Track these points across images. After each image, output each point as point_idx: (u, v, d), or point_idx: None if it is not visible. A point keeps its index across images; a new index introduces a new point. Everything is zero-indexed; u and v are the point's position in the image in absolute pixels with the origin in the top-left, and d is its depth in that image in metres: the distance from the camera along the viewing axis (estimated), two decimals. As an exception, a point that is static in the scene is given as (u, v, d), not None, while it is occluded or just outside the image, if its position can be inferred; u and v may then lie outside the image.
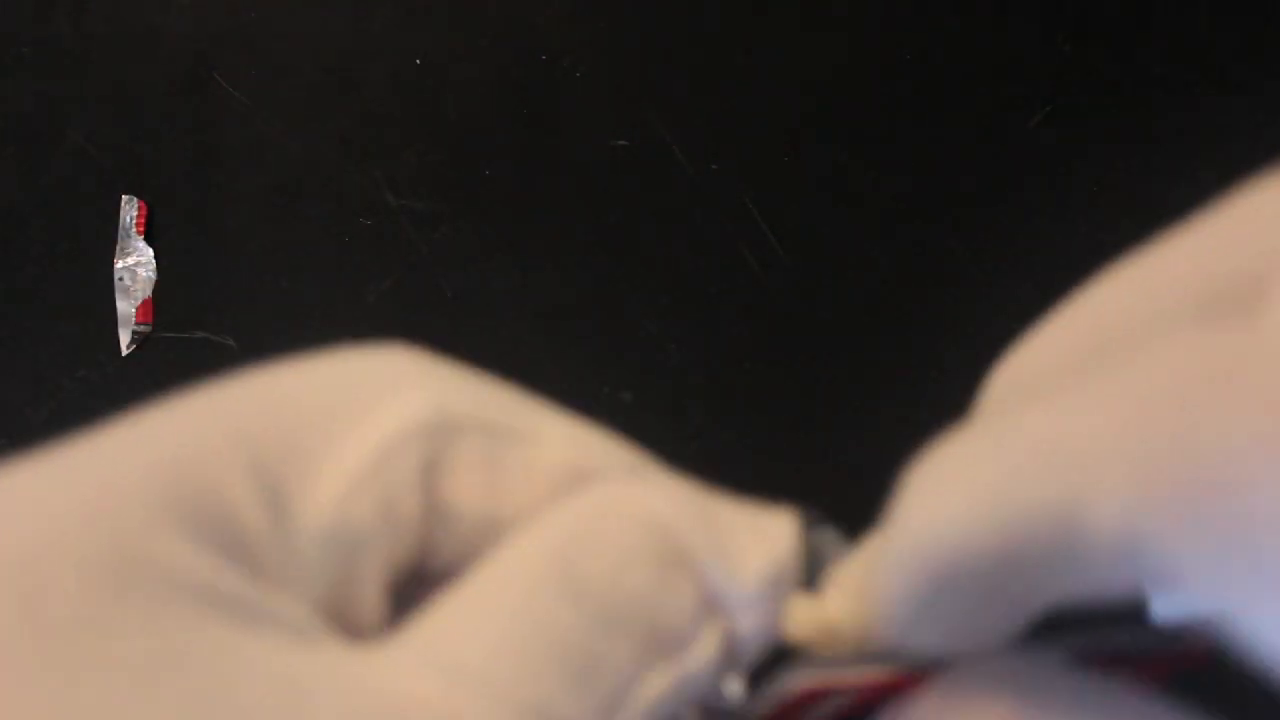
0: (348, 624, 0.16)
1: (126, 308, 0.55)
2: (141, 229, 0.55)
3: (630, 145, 0.56)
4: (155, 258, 0.55)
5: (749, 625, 0.16)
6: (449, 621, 0.15)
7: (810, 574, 0.18)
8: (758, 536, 0.17)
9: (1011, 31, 0.57)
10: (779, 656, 0.18)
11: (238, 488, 0.15)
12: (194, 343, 0.55)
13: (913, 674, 0.18)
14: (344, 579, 0.15)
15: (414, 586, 0.17)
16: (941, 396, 0.54)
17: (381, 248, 0.55)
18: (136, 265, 0.55)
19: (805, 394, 0.54)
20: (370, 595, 0.16)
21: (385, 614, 0.16)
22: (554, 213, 0.55)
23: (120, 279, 0.55)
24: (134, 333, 0.55)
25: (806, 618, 0.17)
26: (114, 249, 0.55)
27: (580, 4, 0.57)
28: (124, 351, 0.55)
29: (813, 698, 0.18)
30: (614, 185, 0.56)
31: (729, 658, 0.16)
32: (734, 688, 0.17)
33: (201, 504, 0.15)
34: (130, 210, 0.56)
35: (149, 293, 0.55)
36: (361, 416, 0.16)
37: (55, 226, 0.56)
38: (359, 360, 0.17)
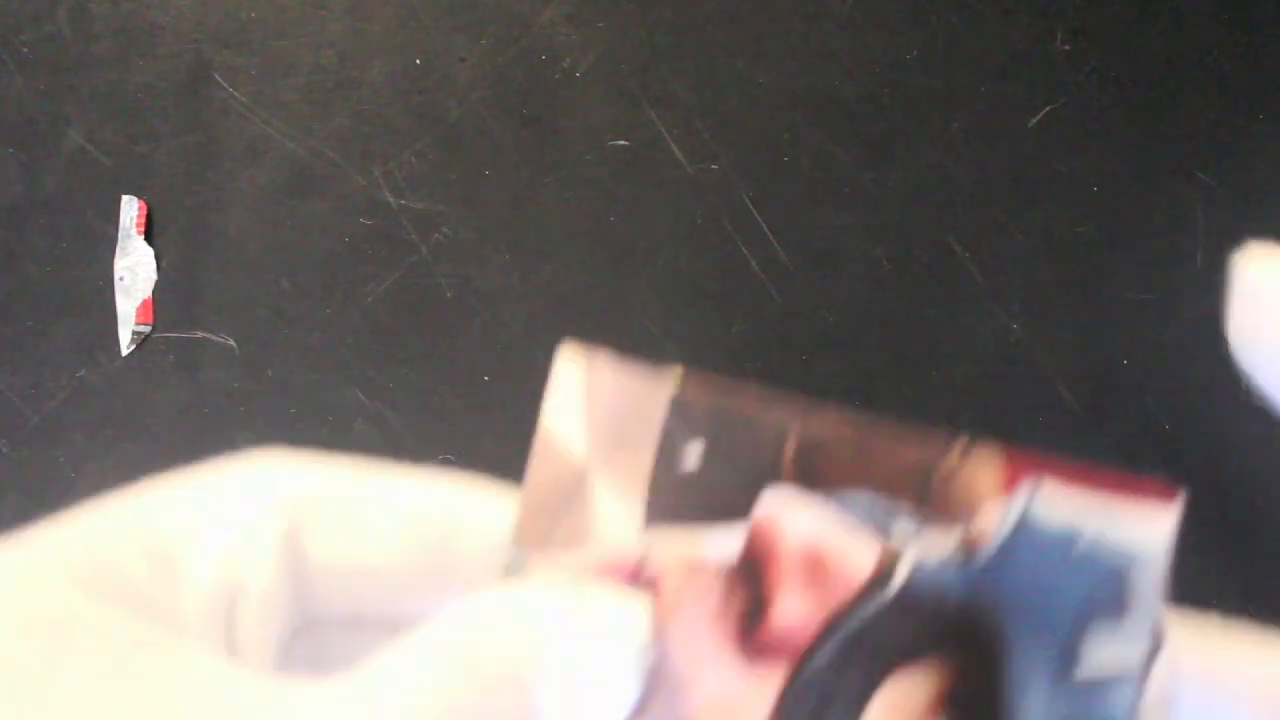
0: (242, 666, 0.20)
1: (127, 307, 0.55)
2: (141, 229, 0.55)
3: (630, 145, 0.56)
4: (155, 257, 0.55)
5: (615, 695, 0.19)
6: (351, 681, 0.18)
7: None
8: (622, 619, 0.19)
9: (1012, 32, 0.57)
10: None
11: (134, 560, 0.19)
12: (194, 342, 0.55)
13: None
14: (232, 625, 0.19)
15: (316, 634, 0.21)
16: (942, 396, 0.54)
17: (381, 247, 0.55)
18: (136, 265, 0.55)
19: (805, 394, 0.54)
20: (259, 640, 0.20)
21: (275, 659, 0.20)
22: (554, 213, 0.55)
23: (120, 279, 0.55)
24: (134, 332, 0.55)
25: None
26: (114, 249, 0.55)
27: (580, 4, 0.57)
28: (124, 351, 0.55)
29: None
30: (614, 185, 0.56)
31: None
32: None
33: (104, 573, 0.19)
34: (130, 210, 0.56)
35: (149, 292, 0.55)
36: (231, 502, 0.21)
37: (55, 226, 0.56)
38: (230, 464, 0.22)
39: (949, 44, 0.57)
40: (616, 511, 0.20)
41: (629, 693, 0.20)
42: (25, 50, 0.57)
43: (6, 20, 0.58)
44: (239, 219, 0.56)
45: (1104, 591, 0.18)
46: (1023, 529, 0.19)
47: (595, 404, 0.20)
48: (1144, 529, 0.18)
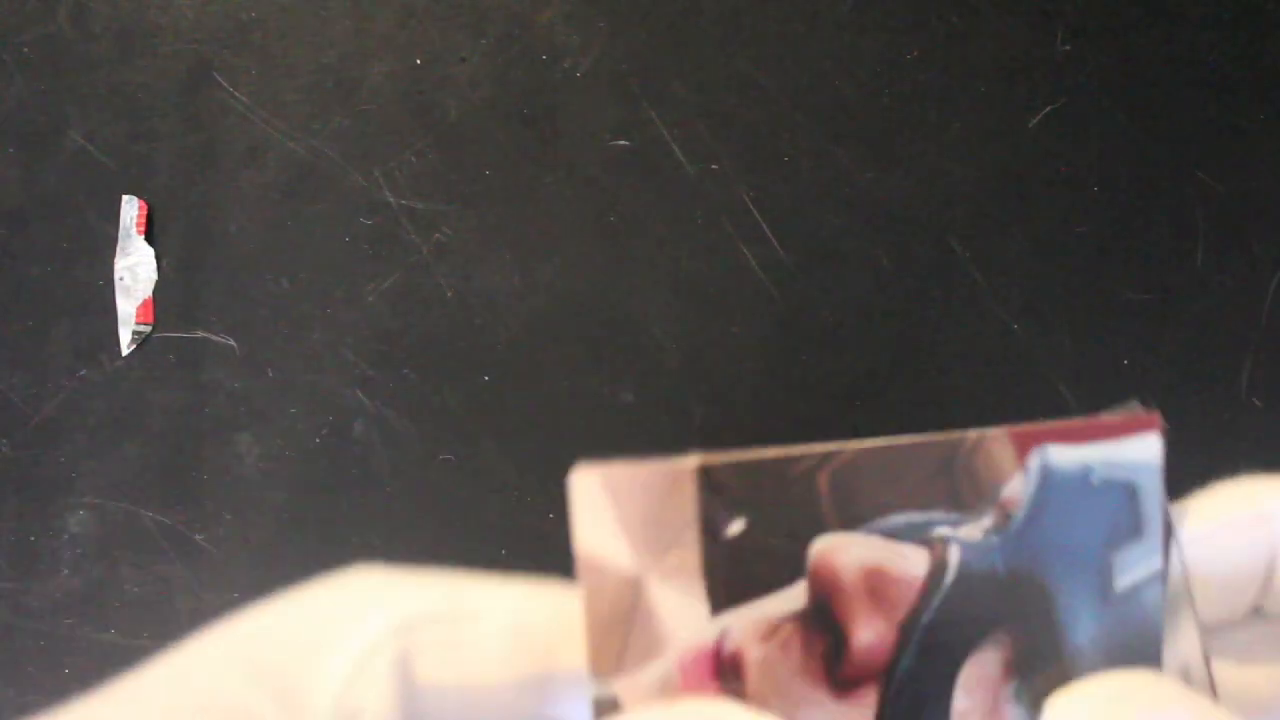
0: None
1: (127, 307, 0.55)
2: (142, 229, 0.55)
3: (631, 145, 0.56)
4: (155, 257, 0.55)
5: None
6: None
7: None
8: None
9: (1012, 32, 0.57)
10: None
11: (259, 699, 0.21)
12: (194, 342, 0.55)
13: None
14: None
15: None
16: (941, 396, 0.54)
17: (382, 247, 0.55)
18: (137, 265, 0.55)
19: (805, 393, 0.54)
20: None
21: None
22: (554, 213, 0.55)
23: (121, 278, 0.55)
24: (134, 332, 0.55)
25: None
26: (114, 249, 0.55)
27: (580, 4, 0.57)
28: (124, 351, 0.55)
29: None
30: (614, 185, 0.56)
31: None
32: None
33: (233, 714, 0.20)
34: (131, 210, 0.56)
35: (149, 292, 0.55)
36: (343, 632, 0.22)
37: (56, 226, 0.56)
38: (335, 585, 0.23)
39: (949, 44, 0.57)
40: (681, 608, 0.21)
41: None
42: (26, 50, 0.57)
43: (7, 20, 0.58)
44: (239, 219, 0.56)
45: (1121, 514, 0.21)
46: (1044, 485, 0.21)
47: (626, 514, 0.21)
48: (1138, 453, 0.22)
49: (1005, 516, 0.21)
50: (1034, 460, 0.21)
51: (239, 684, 0.20)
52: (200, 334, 0.55)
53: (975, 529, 0.21)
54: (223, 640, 0.21)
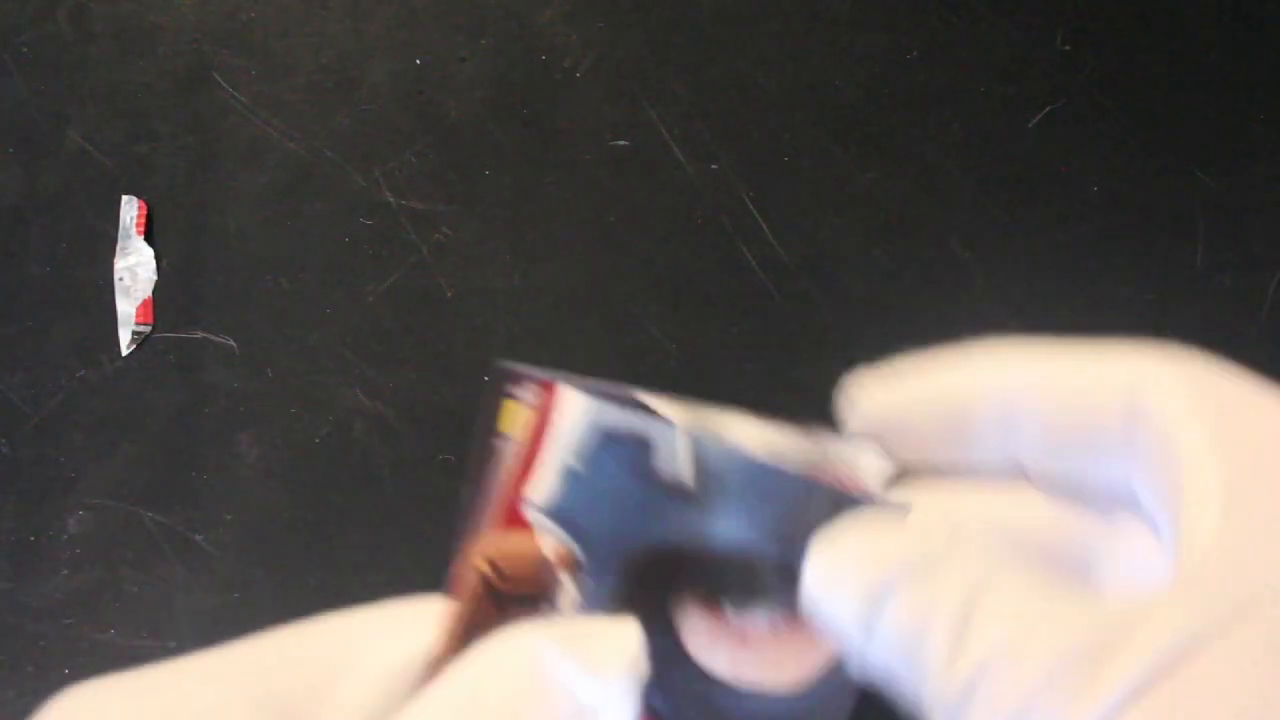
0: None
1: (127, 307, 0.55)
2: (142, 229, 0.55)
3: (630, 145, 0.56)
4: (155, 258, 0.55)
5: (616, 717, 0.22)
6: None
7: None
8: (611, 643, 0.22)
9: (1012, 32, 0.57)
10: None
11: (296, 694, 0.22)
12: (194, 342, 0.55)
13: None
14: None
15: None
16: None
17: (381, 247, 0.55)
18: (137, 265, 0.55)
19: (805, 394, 0.54)
20: None
21: None
22: (554, 213, 0.55)
23: (120, 279, 0.55)
24: (134, 332, 0.55)
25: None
26: (114, 249, 0.55)
27: (580, 5, 0.57)
28: (124, 351, 0.55)
29: None
30: (614, 185, 0.56)
31: None
32: None
33: (274, 702, 0.22)
34: (130, 210, 0.56)
35: (149, 292, 0.55)
36: (358, 662, 0.23)
37: (56, 226, 0.56)
38: (356, 613, 0.24)
39: (949, 44, 0.57)
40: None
41: (632, 714, 0.22)
42: (25, 50, 0.57)
43: (7, 21, 0.58)
44: (239, 219, 0.56)
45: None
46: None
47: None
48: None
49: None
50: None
51: (287, 678, 0.22)
52: (200, 334, 0.55)
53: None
54: (241, 668, 0.23)
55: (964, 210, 0.55)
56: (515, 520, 0.25)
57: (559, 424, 0.25)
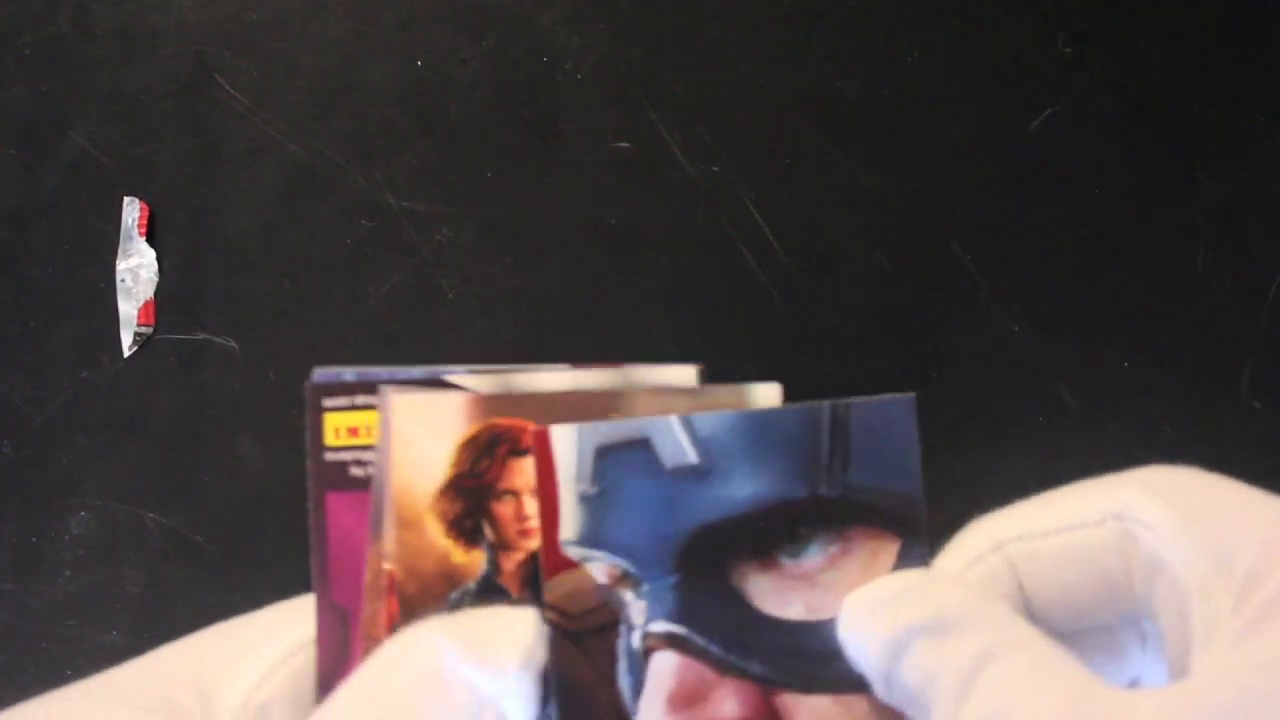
0: None
1: (128, 309, 0.55)
2: (143, 230, 0.55)
3: (631, 147, 0.56)
4: (157, 259, 0.55)
5: (517, 706, 0.23)
6: None
7: None
8: (507, 635, 0.23)
9: (1013, 34, 0.57)
10: None
11: (182, 692, 0.24)
12: (196, 344, 0.55)
13: None
14: None
15: None
16: (942, 397, 0.54)
17: (383, 249, 0.55)
18: (138, 267, 0.55)
19: (805, 394, 0.54)
20: None
21: None
22: (555, 214, 0.56)
23: (122, 280, 0.55)
24: (136, 334, 0.55)
25: None
26: (116, 250, 0.55)
27: (582, 6, 0.57)
28: (126, 353, 0.55)
29: None
30: (615, 187, 0.56)
31: None
32: None
33: (162, 703, 0.24)
34: (132, 212, 0.56)
35: (151, 294, 0.55)
36: (264, 642, 0.25)
37: (57, 228, 0.56)
38: (238, 619, 0.26)
39: (950, 46, 0.57)
40: None
41: (532, 701, 0.23)
42: (27, 52, 0.57)
43: (8, 22, 0.58)
44: (240, 221, 0.56)
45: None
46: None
47: None
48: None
49: None
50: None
51: (172, 684, 0.24)
52: (202, 336, 0.55)
53: None
54: (167, 652, 0.25)
55: (965, 212, 0.55)
56: (561, 564, 0.25)
57: (560, 462, 0.25)
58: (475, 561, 0.25)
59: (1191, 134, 0.56)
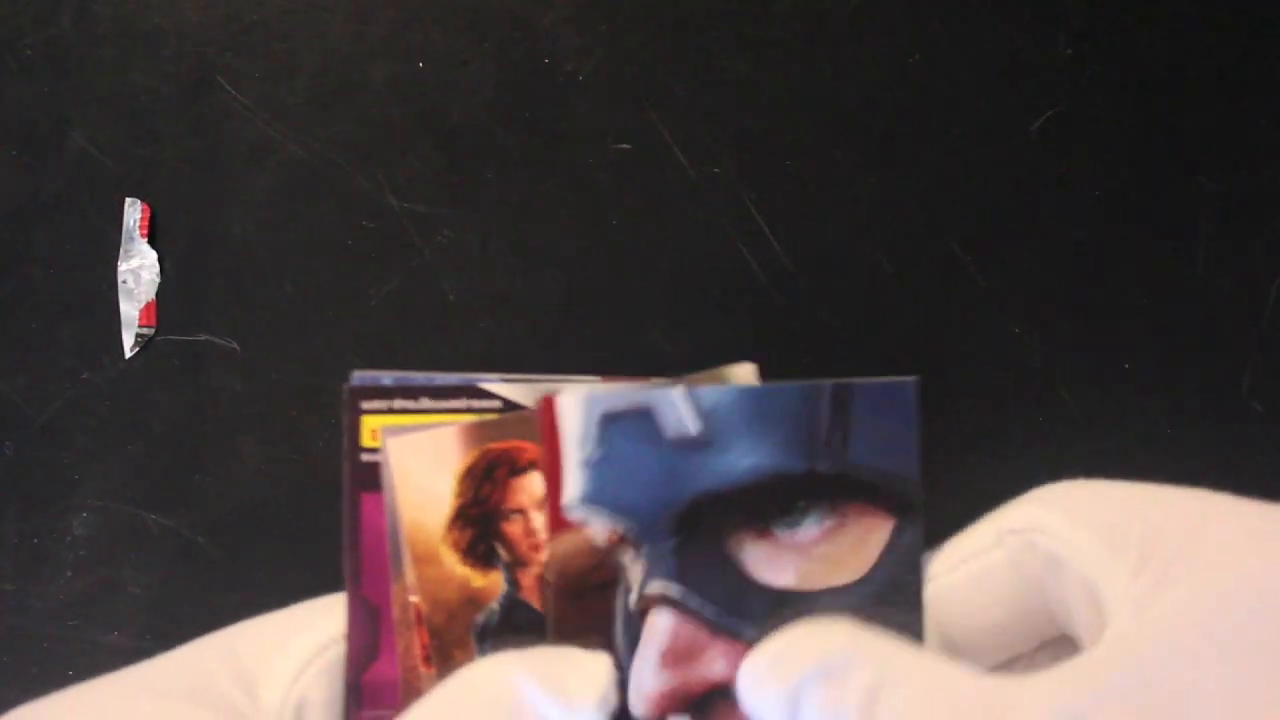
0: None
1: (130, 310, 0.55)
2: (145, 231, 0.56)
3: (633, 149, 0.56)
4: (158, 260, 0.55)
5: None
6: None
7: None
8: (584, 675, 0.24)
9: (1014, 36, 0.57)
10: None
11: (227, 684, 0.25)
12: (197, 345, 0.55)
13: None
14: None
15: None
16: (941, 397, 0.54)
17: (384, 250, 0.55)
18: (139, 268, 0.55)
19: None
20: None
21: None
22: (556, 216, 0.56)
23: (123, 281, 0.55)
24: (137, 335, 0.55)
25: None
26: (117, 252, 0.56)
27: (582, 7, 0.57)
28: (127, 354, 0.55)
29: None
30: (616, 189, 0.56)
31: None
32: None
33: (209, 695, 0.24)
34: (133, 213, 0.56)
35: (152, 295, 0.55)
36: (298, 636, 0.26)
37: (58, 229, 0.56)
38: (271, 615, 0.28)
39: (951, 48, 0.57)
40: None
41: None
42: (28, 53, 0.58)
43: (9, 22, 0.58)
44: (242, 222, 0.56)
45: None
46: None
47: None
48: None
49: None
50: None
51: (215, 673, 0.25)
52: (203, 337, 0.55)
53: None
54: (211, 642, 0.26)
55: (965, 214, 0.55)
56: (561, 526, 0.26)
57: (566, 428, 0.26)
58: (495, 583, 0.26)
59: (1192, 135, 0.56)
